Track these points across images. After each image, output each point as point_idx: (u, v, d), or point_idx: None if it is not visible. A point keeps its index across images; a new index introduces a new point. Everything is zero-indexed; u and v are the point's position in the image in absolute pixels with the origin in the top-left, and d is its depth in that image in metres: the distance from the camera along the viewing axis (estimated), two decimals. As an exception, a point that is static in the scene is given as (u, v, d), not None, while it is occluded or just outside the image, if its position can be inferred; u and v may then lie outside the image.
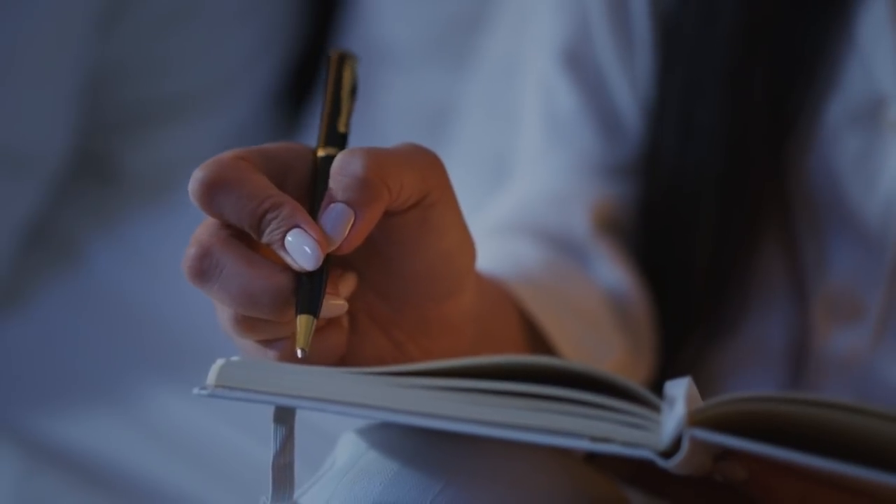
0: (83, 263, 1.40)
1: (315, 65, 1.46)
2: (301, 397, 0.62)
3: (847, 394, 0.95)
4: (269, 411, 0.65)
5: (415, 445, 0.66)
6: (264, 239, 0.65)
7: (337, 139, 0.70)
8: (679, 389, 0.58)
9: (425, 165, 0.67)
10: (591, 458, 0.70)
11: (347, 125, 0.71)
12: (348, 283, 0.69)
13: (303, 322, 0.64)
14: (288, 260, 0.64)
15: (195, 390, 0.63)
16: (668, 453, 0.58)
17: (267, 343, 0.67)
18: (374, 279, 0.70)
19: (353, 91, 0.72)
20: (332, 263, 0.67)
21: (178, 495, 1.18)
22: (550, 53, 0.98)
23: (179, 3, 1.41)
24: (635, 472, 0.73)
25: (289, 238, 0.64)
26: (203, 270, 0.64)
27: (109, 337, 1.32)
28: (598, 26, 0.97)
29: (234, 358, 0.64)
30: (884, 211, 0.92)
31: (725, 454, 0.65)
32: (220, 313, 0.67)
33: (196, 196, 0.65)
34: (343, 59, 0.73)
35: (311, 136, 1.39)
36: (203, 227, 0.66)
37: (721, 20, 0.92)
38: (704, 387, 0.97)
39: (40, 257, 1.40)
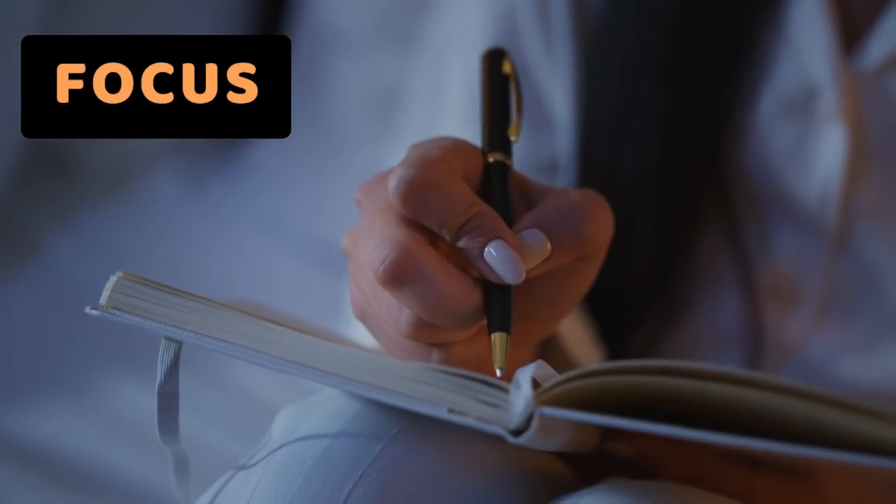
0: (40, 256, 1.39)
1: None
2: (185, 329, 0.64)
3: (801, 377, 0.94)
4: (232, 399, 0.66)
5: (356, 411, 0.66)
6: (462, 245, 0.63)
7: (503, 143, 0.68)
8: (525, 374, 0.61)
9: (610, 223, 0.66)
10: None
11: (518, 133, 0.69)
12: None
13: (498, 340, 0.63)
14: (485, 270, 0.63)
15: (87, 309, 0.64)
16: (520, 431, 0.60)
17: (435, 345, 0.65)
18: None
19: (518, 91, 0.70)
20: None
21: (137, 486, 1.19)
22: (476, 49, 0.97)
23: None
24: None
25: (490, 250, 0.63)
26: (400, 275, 0.62)
27: (67, 328, 1.32)
28: (525, 24, 0.96)
29: (125, 280, 0.64)
30: (820, 198, 0.92)
31: (609, 433, 0.66)
32: (396, 314, 0.65)
33: (401, 194, 0.62)
34: (497, 55, 0.71)
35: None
36: (397, 229, 0.63)
37: (654, 17, 0.92)
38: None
39: (-3, 250, 1.39)
